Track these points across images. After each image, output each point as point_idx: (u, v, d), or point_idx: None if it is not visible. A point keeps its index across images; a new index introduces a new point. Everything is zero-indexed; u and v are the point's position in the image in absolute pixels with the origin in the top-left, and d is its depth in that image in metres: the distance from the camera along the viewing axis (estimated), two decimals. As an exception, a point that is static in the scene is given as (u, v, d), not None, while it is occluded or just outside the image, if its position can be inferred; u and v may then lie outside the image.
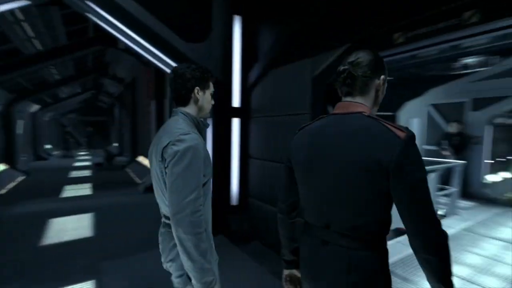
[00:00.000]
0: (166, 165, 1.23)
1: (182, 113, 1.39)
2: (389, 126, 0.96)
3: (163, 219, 1.43)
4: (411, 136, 0.93)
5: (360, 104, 1.07)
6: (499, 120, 7.63)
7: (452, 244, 0.96)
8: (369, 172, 0.93)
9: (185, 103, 1.42)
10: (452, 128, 7.05)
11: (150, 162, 1.41)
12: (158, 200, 1.41)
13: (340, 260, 1.01)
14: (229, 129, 4.51)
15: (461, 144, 6.91)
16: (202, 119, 1.47)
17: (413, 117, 8.43)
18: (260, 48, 4.41)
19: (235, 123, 4.53)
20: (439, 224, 0.91)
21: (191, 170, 1.19)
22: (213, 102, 1.53)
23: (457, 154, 6.72)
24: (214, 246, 1.50)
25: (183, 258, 1.18)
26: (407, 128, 0.95)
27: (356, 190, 0.97)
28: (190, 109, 1.43)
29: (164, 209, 1.37)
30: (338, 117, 1.08)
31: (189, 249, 1.15)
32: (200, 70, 1.41)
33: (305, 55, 3.46)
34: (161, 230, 1.44)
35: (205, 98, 1.45)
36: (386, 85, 1.12)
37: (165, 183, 1.26)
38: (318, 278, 1.09)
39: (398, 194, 0.93)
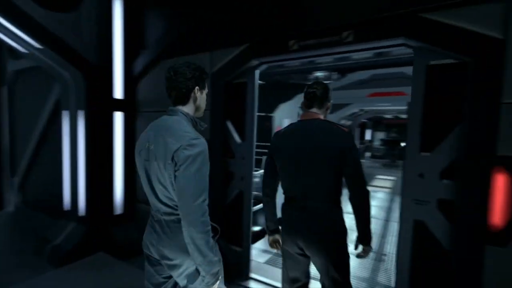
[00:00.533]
0: (177, 168, 1.27)
1: (182, 113, 1.44)
2: (337, 125, 1.62)
3: (157, 215, 1.45)
4: (350, 130, 1.63)
5: (317, 113, 1.74)
6: (342, 122, 9.93)
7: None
8: (331, 156, 1.55)
9: (184, 102, 1.46)
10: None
11: (140, 159, 1.43)
12: (151, 198, 1.44)
13: (315, 216, 1.61)
14: (110, 124, 3.78)
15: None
16: (198, 119, 1.50)
17: (285, 117, 9.73)
18: (149, 34, 3.92)
19: (118, 117, 3.85)
20: (366, 184, 1.61)
21: (201, 173, 1.27)
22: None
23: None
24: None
25: (195, 254, 1.27)
26: (347, 126, 1.39)
27: (323, 168, 1.57)
28: (188, 108, 1.47)
29: (159, 206, 1.41)
30: (306, 122, 1.71)
31: (201, 246, 1.25)
32: (199, 69, 1.45)
33: (204, 49, 3.32)
34: (153, 223, 1.47)
35: (202, 98, 1.51)
36: (331, 107, 1.90)
37: (171, 184, 1.32)
38: (301, 231, 1.64)
39: (347, 166, 1.55)
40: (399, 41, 2.23)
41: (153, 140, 1.38)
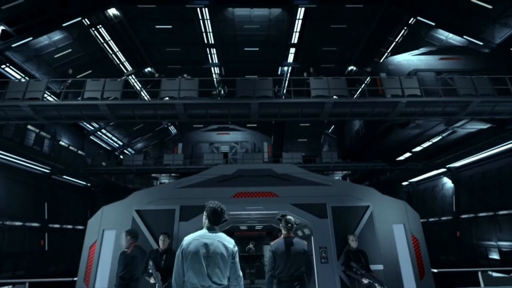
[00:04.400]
0: (233, 258, 2.78)
1: (218, 229, 2.89)
2: (300, 240, 4.27)
3: None
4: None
5: (291, 234, 4.21)
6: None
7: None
8: (304, 255, 4.08)
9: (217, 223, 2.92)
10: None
11: (197, 257, 2.64)
12: (199, 277, 2.61)
13: (299, 284, 3.97)
14: None
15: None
16: None
17: (113, 227, 6.17)
18: None
19: None
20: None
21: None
22: None
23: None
24: None
25: None
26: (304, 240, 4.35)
27: (301, 260, 4.03)
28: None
29: (207, 283, 2.61)
30: (289, 238, 4.15)
31: None
32: None
33: None
34: None
35: None
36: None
37: (225, 266, 2.72)
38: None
39: (308, 262, 4.15)
40: None
41: (206, 242, 2.71)
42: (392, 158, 14.70)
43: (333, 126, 27.93)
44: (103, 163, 16.51)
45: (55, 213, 14.68)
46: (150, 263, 5.20)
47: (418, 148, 13.80)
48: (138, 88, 17.86)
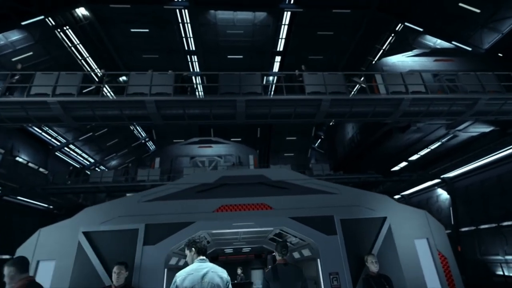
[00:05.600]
0: (227, 285, 2.97)
1: (208, 260, 3.11)
2: (296, 265, 4.21)
3: None
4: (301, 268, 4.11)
5: (286, 260, 3.97)
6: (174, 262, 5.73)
7: None
8: (299, 280, 3.79)
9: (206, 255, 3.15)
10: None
11: (192, 286, 2.78)
12: None
13: None
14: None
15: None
16: None
17: (51, 256, 4.52)
18: None
19: None
20: None
21: None
22: None
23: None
24: None
25: None
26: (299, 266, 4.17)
27: (297, 285, 3.75)
28: None
29: None
30: (283, 263, 3.93)
31: None
32: None
33: None
34: None
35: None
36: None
37: None
38: None
39: (303, 286, 3.80)
40: None
41: (200, 274, 2.87)
42: (386, 168, 13.79)
43: (319, 140, 27.19)
44: (68, 182, 14.43)
45: (8, 241, 12.38)
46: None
47: (415, 157, 13.00)
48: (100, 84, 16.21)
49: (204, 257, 3.06)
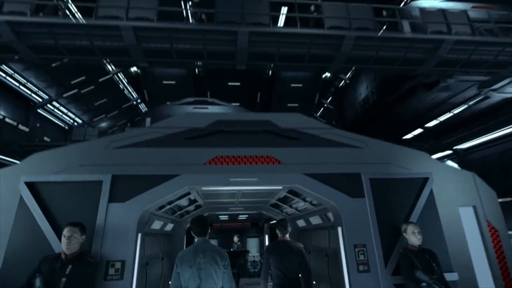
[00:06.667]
0: (225, 267, 3.03)
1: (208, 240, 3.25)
2: (296, 242, 4.12)
3: None
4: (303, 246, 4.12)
5: (287, 236, 4.11)
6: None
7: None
8: (298, 256, 3.88)
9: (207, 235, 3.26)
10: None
11: (189, 263, 2.97)
12: (194, 284, 2.89)
13: (294, 285, 3.80)
14: None
15: None
16: None
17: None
18: None
19: None
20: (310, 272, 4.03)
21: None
22: None
23: None
24: None
25: None
26: (300, 242, 4.22)
27: (296, 262, 3.85)
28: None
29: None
30: (284, 241, 4.05)
31: None
32: None
33: None
34: None
35: None
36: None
37: (218, 276, 2.97)
38: None
39: (303, 262, 3.89)
40: None
41: (199, 253, 3.03)
42: (398, 136, 12.60)
43: (322, 109, 25.68)
44: (46, 138, 13.10)
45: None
46: (37, 283, 2.58)
47: (433, 123, 11.75)
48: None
49: (205, 238, 3.20)
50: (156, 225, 5.51)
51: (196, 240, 3.18)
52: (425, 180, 4.01)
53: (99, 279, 3.12)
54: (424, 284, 3.09)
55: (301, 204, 5.90)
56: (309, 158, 4.02)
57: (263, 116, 4.29)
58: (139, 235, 3.51)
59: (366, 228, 3.67)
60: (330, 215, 5.21)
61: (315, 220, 5.93)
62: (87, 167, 3.63)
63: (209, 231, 3.28)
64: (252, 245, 14.39)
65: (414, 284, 3.14)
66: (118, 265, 3.21)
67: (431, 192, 3.96)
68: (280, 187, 4.09)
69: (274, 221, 11.93)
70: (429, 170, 4.09)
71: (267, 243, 13.35)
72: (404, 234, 3.47)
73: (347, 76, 17.18)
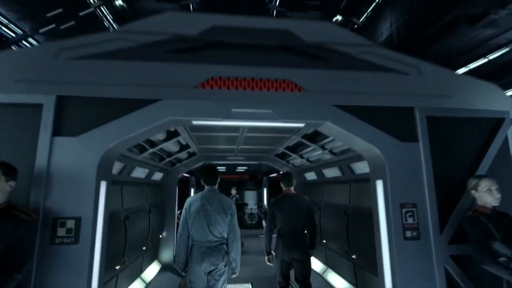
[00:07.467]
0: (231, 216, 3.17)
1: (217, 189, 3.28)
2: (302, 195, 4.21)
3: (208, 245, 3.03)
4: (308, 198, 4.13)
5: (292, 189, 3.94)
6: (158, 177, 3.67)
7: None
8: (304, 209, 3.79)
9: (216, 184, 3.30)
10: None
11: (197, 209, 3.07)
12: (206, 236, 3.02)
13: (299, 239, 3.72)
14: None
15: None
16: None
17: None
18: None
19: None
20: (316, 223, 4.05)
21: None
22: None
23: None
24: None
25: (238, 255, 3.14)
26: (306, 195, 4.84)
27: (301, 215, 3.76)
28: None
29: (212, 238, 3.03)
30: (289, 194, 3.89)
31: (239, 249, 3.18)
32: None
33: None
34: (207, 250, 3.00)
35: None
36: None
37: (224, 223, 3.11)
38: (291, 247, 3.64)
39: (309, 216, 3.82)
40: None
41: (208, 201, 3.11)
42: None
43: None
44: None
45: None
46: None
47: (463, 70, 10.23)
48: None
49: (214, 188, 3.24)
50: (139, 172, 4.53)
51: (205, 188, 3.26)
52: (499, 121, 2.93)
53: (43, 243, 2.17)
54: (503, 258, 2.19)
55: (315, 154, 4.90)
56: (341, 86, 2.85)
57: (279, 24, 2.98)
58: (103, 183, 2.48)
59: (418, 183, 2.67)
60: (354, 166, 4.24)
61: (332, 172, 4.99)
62: (25, 84, 2.43)
63: (218, 180, 3.30)
64: (250, 198, 13.97)
65: (488, 258, 2.24)
66: (70, 223, 2.23)
67: (506, 138, 2.91)
68: (302, 124, 2.98)
69: (274, 174, 11.24)
70: (505, 109, 2.97)
71: (265, 197, 12.96)
72: (472, 192, 2.48)
73: (360, 20, 15.14)
